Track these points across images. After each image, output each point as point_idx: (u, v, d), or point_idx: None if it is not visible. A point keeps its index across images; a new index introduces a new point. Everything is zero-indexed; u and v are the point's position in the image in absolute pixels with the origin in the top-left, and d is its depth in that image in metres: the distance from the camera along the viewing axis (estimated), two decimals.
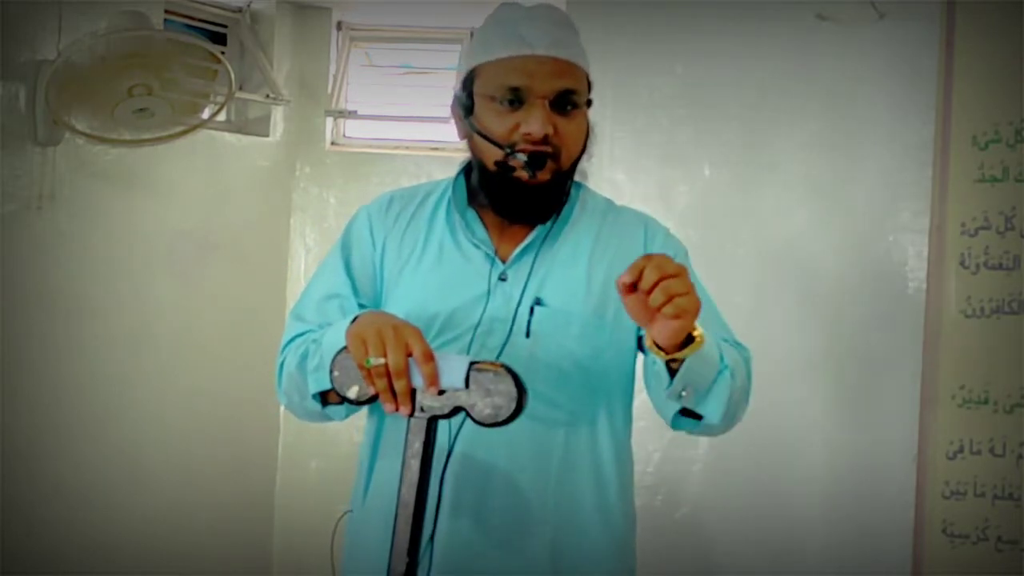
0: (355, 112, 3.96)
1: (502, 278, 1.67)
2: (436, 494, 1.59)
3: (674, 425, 1.64)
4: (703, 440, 2.84)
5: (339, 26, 3.94)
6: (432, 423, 1.46)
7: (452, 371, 1.44)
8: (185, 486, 3.48)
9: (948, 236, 2.42)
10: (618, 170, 2.92)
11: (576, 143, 1.66)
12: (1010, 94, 2.36)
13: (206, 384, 3.55)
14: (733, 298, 2.83)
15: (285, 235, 3.87)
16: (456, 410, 1.45)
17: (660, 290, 1.38)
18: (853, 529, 2.64)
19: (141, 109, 2.96)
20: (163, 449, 3.42)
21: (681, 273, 1.40)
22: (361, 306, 1.73)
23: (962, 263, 2.41)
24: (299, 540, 3.82)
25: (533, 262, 1.67)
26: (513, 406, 1.42)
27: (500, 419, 1.43)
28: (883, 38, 2.62)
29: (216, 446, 3.58)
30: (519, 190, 1.63)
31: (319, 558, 3.69)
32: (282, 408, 3.82)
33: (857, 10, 2.63)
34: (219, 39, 3.71)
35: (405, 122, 3.98)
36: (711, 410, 1.54)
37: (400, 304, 1.69)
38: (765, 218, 2.81)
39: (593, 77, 1.72)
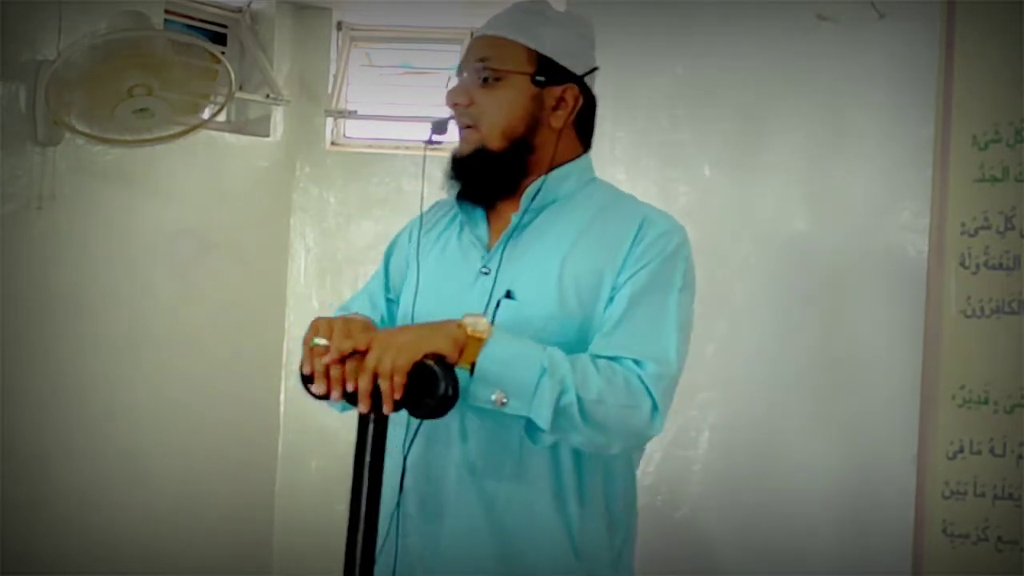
0: (355, 112, 3.96)
1: (484, 271, 1.69)
2: (398, 487, 1.66)
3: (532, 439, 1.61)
4: (703, 440, 2.85)
5: (339, 26, 3.94)
6: (380, 419, 1.47)
7: None
8: (185, 486, 3.49)
9: (948, 236, 2.42)
10: (618, 170, 2.92)
11: (494, 114, 1.68)
12: (1010, 94, 2.36)
13: (206, 384, 3.55)
14: (733, 298, 2.84)
15: (285, 235, 3.87)
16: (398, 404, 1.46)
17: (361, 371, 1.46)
18: (853, 529, 2.64)
19: (141, 109, 2.96)
20: (163, 449, 3.42)
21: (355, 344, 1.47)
22: (388, 300, 1.82)
23: (962, 263, 2.40)
24: (299, 540, 3.82)
25: (501, 255, 1.69)
26: (441, 398, 1.43)
27: (427, 413, 1.45)
28: (883, 38, 2.62)
29: (216, 446, 3.58)
30: (453, 166, 1.71)
31: (319, 558, 3.70)
32: (282, 408, 3.86)
33: (857, 10, 2.63)
34: (219, 39, 3.71)
35: (405, 122, 3.98)
36: (536, 414, 1.52)
37: (404, 299, 1.75)
38: (765, 218, 2.81)
39: (593, 77, 1.73)
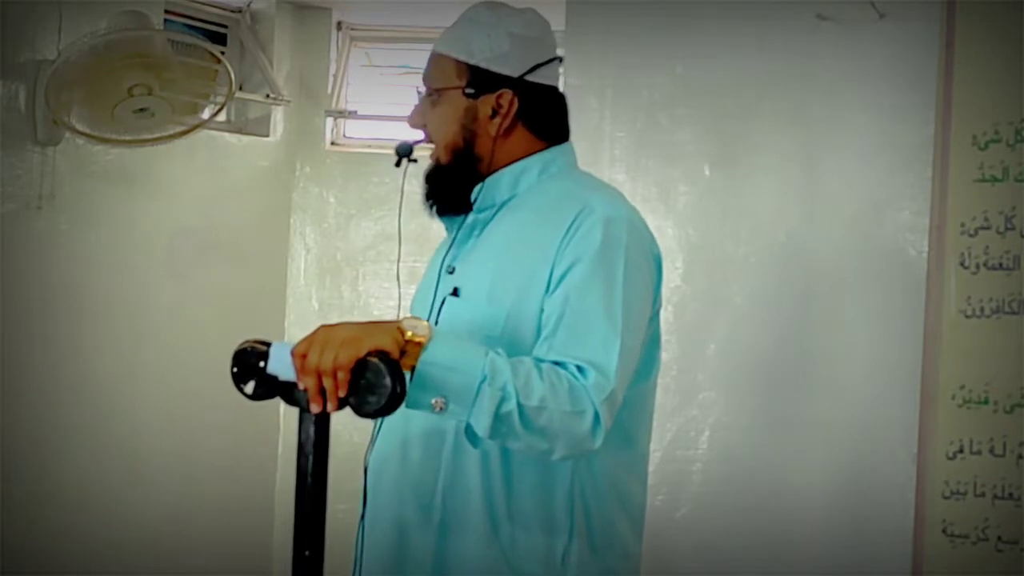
0: (355, 112, 3.96)
1: (449, 271, 1.71)
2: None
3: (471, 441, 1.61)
4: (703, 440, 2.85)
5: (339, 26, 3.94)
6: (321, 418, 1.47)
7: (279, 358, 1.50)
8: (185, 486, 3.48)
9: (948, 236, 2.43)
10: (618, 170, 2.92)
11: (438, 128, 1.71)
12: (1010, 94, 2.37)
13: (206, 384, 3.53)
14: (732, 298, 2.84)
15: (285, 235, 3.87)
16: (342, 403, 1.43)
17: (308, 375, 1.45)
18: (853, 529, 2.64)
19: (141, 109, 2.96)
20: (163, 449, 3.42)
21: (305, 350, 1.44)
22: None
23: (962, 263, 2.41)
24: None
25: (458, 255, 1.71)
26: (390, 395, 1.38)
27: (374, 410, 1.41)
28: (883, 38, 2.62)
29: (216, 446, 3.58)
30: (424, 182, 1.75)
31: None
32: (282, 408, 3.84)
33: (857, 10, 2.63)
34: (219, 39, 3.71)
35: (405, 122, 3.98)
36: (476, 421, 1.47)
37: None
38: (765, 218, 2.81)
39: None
